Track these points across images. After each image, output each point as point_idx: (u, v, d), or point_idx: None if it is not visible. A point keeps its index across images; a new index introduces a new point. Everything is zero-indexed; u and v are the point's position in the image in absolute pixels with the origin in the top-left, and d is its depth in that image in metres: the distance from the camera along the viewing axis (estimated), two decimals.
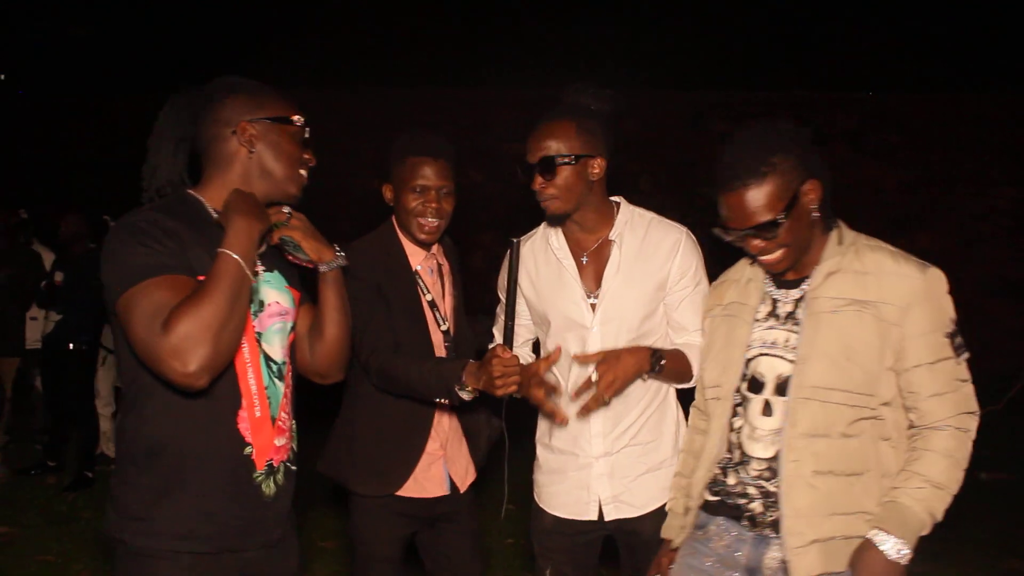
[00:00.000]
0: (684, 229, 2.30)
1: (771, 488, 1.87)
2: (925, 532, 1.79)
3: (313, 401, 2.20)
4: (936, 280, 1.84)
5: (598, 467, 2.27)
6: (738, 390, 1.96)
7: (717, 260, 2.20)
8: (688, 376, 2.23)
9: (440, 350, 2.45)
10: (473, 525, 2.59)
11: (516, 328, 2.27)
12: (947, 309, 1.84)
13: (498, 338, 2.44)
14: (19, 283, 5.56)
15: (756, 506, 1.90)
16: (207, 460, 1.69)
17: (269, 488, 1.78)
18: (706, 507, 1.99)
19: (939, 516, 1.79)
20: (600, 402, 2.12)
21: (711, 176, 1.91)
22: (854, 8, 10.34)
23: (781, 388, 1.88)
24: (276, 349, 1.82)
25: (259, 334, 1.78)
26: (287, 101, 1.86)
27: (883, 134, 9.09)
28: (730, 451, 1.96)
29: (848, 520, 1.82)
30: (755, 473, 1.91)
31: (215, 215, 1.75)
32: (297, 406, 1.90)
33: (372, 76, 9.96)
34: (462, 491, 2.52)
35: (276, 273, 1.87)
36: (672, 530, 2.11)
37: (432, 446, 2.46)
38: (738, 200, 1.83)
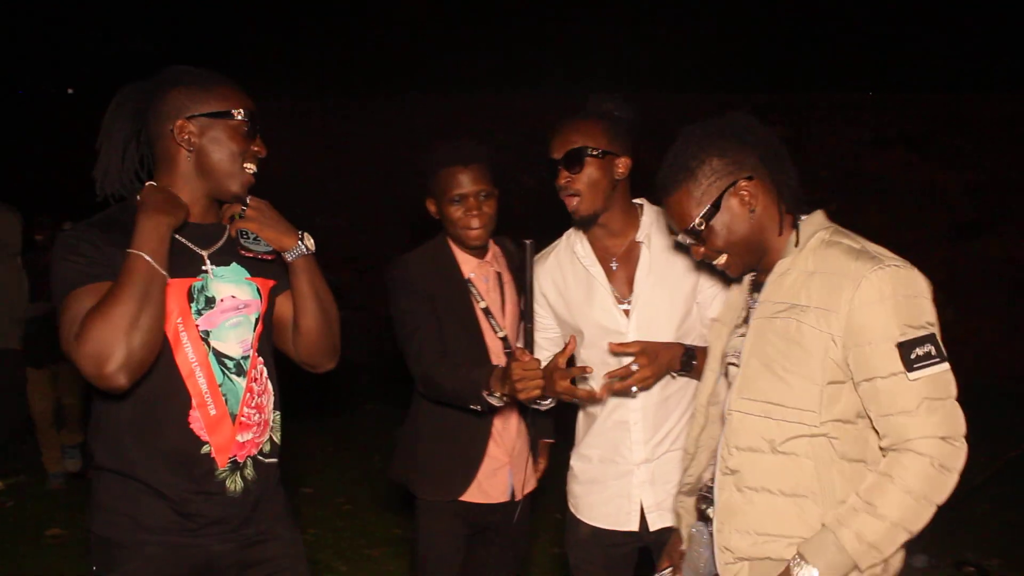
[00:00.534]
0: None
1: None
2: (863, 568, 1.56)
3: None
4: (891, 279, 1.58)
5: (639, 474, 2.23)
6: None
7: None
8: None
9: (499, 357, 2.46)
10: (522, 536, 2.61)
11: (540, 342, 2.28)
12: (906, 313, 1.57)
13: (519, 342, 2.40)
14: None
15: (710, 511, 1.81)
16: (161, 459, 1.72)
17: (235, 484, 1.79)
18: (698, 515, 1.91)
19: (885, 552, 1.56)
20: (625, 391, 2.09)
21: None
22: (912, 7, 10.04)
23: None
24: (231, 345, 1.79)
25: (206, 332, 1.76)
26: (231, 91, 1.79)
27: (947, 136, 8.78)
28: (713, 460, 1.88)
29: (783, 543, 1.64)
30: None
31: None
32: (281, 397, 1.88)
33: (422, 82, 10.04)
34: (518, 499, 2.53)
35: (233, 266, 1.83)
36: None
37: (497, 452, 2.48)
38: (667, 205, 1.77)
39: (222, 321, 1.79)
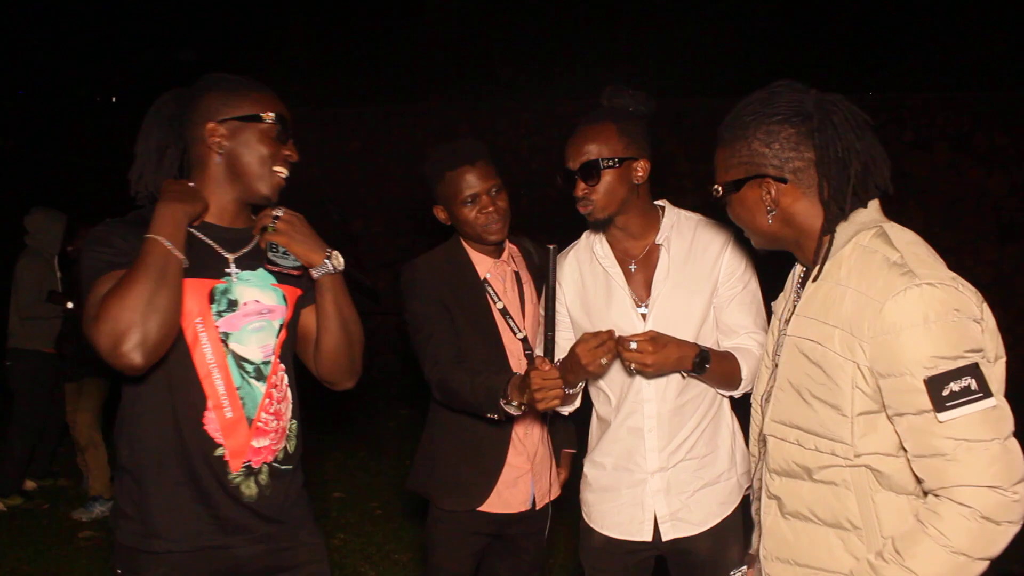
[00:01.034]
0: (734, 229, 2.14)
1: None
2: None
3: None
4: (920, 301, 1.36)
5: (653, 483, 2.17)
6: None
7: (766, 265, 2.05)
8: (736, 382, 2.10)
9: (518, 359, 2.40)
10: (541, 547, 2.54)
11: (559, 341, 2.19)
12: (942, 341, 1.35)
13: (538, 350, 2.35)
14: None
15: (753, 537, 1.71)
16: (176, 461, 1.73)
17: (250, 489, 1.78)
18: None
19: None
20: (623, 359, 1.99)
21: None
22: (957, 3, 9.82)
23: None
24: (252, 349, 1.79)
25: (226, 334, 1.76)
26: (262, 95, 1.82)
27: (990, 134, 8.54)
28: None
29: (819, 575, 1.52)
30: (757, 503, 1.70)
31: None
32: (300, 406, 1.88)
33: (459, 87, 10.05)
34: (538, 507, 2.47)
35: (260, 271, 1.83)
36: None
37: (518, 460, 2.42)
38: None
39: (244, 324, 1.78)
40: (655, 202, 2.23)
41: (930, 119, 8.53)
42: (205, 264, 1.75)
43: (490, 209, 2.34)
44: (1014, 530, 1.34)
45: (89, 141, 9.72)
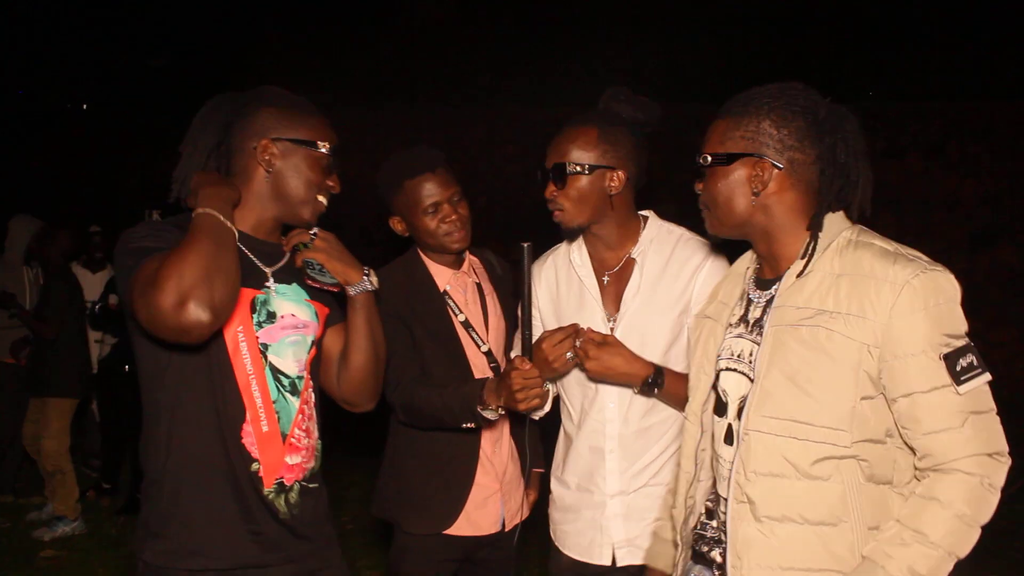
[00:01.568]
0: (715, 248, 2.09)
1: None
2: None
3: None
4: (933, 284, 1.47)
5: (612, 506, 2.10)
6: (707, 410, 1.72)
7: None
8: None
9: (482, 372, 2.33)
10: (510, 570, 2.46)
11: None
12: (948, 322, 1.46)
13: (516, 350, 2.27)
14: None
15: (716, 555, 1.64)
16: (213, 475, 1.68)
17: (282, 506, 1.74)
18: (692, 554, 1.72)
19: None
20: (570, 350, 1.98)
21: None
22: (924, 14, 9.91)
23: (742, 412, 1.59)
24: (288, 362, 1.77)
25: (265, 345, 1.73)
26: (320, 123, 1.81)
27: (963, 144, 8.62)
28: (714, 486, 1.70)
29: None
30: (722, 516, 1.63)
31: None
32: (323, 425, 1.86)
33: (473, 93, 10.01)
34: (507, 529, 2.38)
35: (294, 286, 1.83)
36: (657, 558, 1.88)
37: (487, 479, 2.34)
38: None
39: (282, 337, 1.77)
40: (641, 212, 2.17)
41: (903, 128, 8.59)
42: (245, 274, 1.70)
43: (452, 217, 2.28)
44: (999, 497, 1.45)
45: (60, 148, 9.59)
